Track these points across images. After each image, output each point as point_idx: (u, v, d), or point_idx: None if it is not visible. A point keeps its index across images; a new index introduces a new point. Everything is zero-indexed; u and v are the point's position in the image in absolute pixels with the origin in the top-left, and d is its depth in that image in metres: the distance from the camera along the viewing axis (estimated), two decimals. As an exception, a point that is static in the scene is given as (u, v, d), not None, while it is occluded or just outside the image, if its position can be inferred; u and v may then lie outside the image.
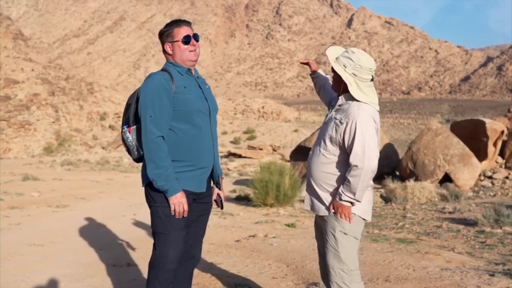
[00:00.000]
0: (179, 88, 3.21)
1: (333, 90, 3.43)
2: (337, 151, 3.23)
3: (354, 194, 3.14)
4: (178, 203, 3.14)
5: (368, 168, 3.09)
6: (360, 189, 3.13)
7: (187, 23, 3.35)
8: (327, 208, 3.27)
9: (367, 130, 3.11)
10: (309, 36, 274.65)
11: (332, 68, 3.32)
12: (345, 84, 3.23)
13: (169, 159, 3.14)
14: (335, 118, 3.24)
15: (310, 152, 3.42)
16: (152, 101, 3.14)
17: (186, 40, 3.29)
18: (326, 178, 3.28)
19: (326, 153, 3.26)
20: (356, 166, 3.08)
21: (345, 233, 3.22)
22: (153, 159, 3.11)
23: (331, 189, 3.27)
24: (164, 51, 3.36)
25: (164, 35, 3.33)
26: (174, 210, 3.14)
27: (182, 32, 3.29)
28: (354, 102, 3.22)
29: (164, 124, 3.16)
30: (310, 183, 3.37)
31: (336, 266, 3.20)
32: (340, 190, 3.18)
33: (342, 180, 3.21)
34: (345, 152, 3.20)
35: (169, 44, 3.32)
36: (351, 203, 3.19)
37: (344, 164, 3.21)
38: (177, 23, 3.33)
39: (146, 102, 3.15)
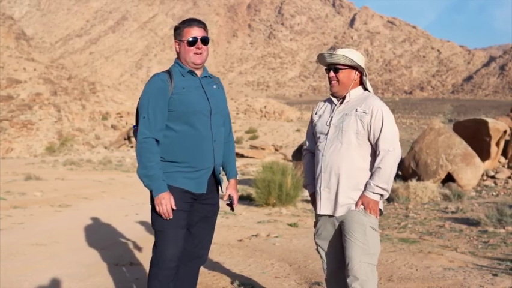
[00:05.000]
0: (177, 89, 3.19)
1: (336, 91, 3.38)
2: (363, 144, 3.27)
3: (387, 183, 3.19)
4: (160, 203, 3.12)
5: (398, 152, 3.21)
6: (392, 177, 3.21)
7: (200, 24, 3.29)
8: (355, 204, 3.26)
9: (392, 117, 3.27)
10: (311, 36, 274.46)
11: (336, 67, 3.34)
12: (356, 80, 3.36)
13: (157, 159, 3.14)
14: (355, 111, 3.27)
15: (324, 151, 3.35)
16: (147, 102, 3.17)
17: (191, 42, 3.24)
18: (354, 171, 3.26)
19: (352, 147, 3.26)
20: (388, 150, 3.17)
21: (374, 228, 3.24)
22: (140, 159, 3.15)
23: (359, 183, 3.26)
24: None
25: (176, 32, 3.33)
26: (159, 210, 3.14)
27: (191, 32, 3.26)
28: (366, 93, 3.38)
29: (157, 126, 3.16)
30: (336, 182, 3.28)
31: (364, 260, 3.17)
32: (372, 184, 3.19)
33: (367, 174, 3.25)
34: (369, 145, 3.27)
35: (177, 41, 3.32)
36: (381, 196, 3.22)
37: (368, 156, 3.28)
38: (189, 22, 3.29)
39: (142, 103, 3.20)
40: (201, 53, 3.27)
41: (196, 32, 3.26)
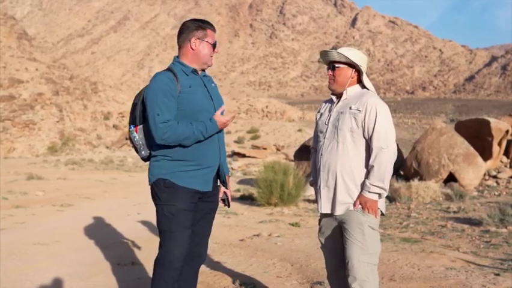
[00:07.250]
0: (184, 88, 3.21)
1: (333, 88, 3.42)
2: (358, 141, 3.25)
3: (383, 181, 3.17)
4: (224, 124, 3.26)
5: (392, 150, 3.18)
6: (388, 175, 3.19)
7: (215, 31, 3.44)
8: (353, 203, 3.25)
9: (387, 114, 3.24)
10: (313, 36, 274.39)
11: (334, 65, 3.38)
12: (354, 78, 3.36)
13: (188, 125, 3.15)
14: (350, 108, 3.27)
15: (322, 150, 3.37)
16: (156, 100, 3.14)
17: (215, 45, 3.37)
18: (351, 169, 3.26)
19: (348, 145, 3.26)
20: (381, 148, 3.15)
21: (372, 228, 3.23)
22: (181, 138, 3.14)
23: (357, 182, 3.25)
24: (180, 45, 3.34)
25: (194, 29, 3.31)
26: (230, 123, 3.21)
27: (213, 36, 3.37)
28: (364, 90, 3.37)
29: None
30: (333, 181, 3.29)
31: (363, 260, 3.17)
32: (367, 183, 3.19)
33: (364, 172, 3.24)
34: (365, 143, 3.25)
35: (198, 40, 3.31)
36: (379, 195, 3.21)
37: (365, 154, 3.26)
38: (210, 25, 3.39)
39: (152, 102, 3.16)
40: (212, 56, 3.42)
41: (215, 36, 3.40)
